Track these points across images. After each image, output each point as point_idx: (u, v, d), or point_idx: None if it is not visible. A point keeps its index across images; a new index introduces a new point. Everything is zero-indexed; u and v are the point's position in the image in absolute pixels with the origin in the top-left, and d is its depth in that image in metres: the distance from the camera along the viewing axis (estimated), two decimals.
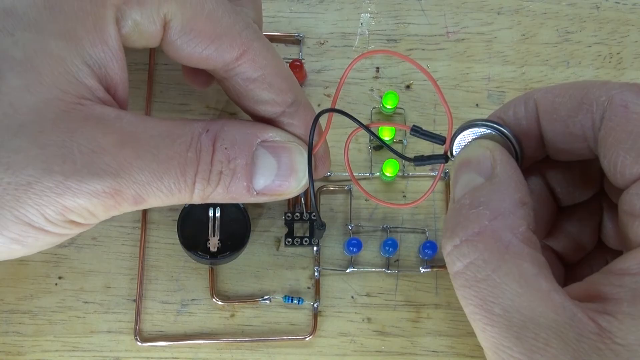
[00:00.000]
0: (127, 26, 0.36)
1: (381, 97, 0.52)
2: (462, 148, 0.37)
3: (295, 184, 0.40)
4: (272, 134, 0.39)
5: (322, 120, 0.44)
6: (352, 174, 0.42)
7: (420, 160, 0.39)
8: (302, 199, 0.50)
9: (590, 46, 0.54)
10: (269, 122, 0.41)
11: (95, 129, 0.34)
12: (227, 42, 0.38)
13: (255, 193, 0.39)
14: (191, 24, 0.37)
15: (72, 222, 0.35)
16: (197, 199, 0.38)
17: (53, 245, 0.37)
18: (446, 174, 0.51)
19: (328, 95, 0.53)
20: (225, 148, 0.37)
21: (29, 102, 0.33)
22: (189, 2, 0.37)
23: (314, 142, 0.40)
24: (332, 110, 0.39)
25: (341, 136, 0.51)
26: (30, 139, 0.33)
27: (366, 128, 0.39)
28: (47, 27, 0.34)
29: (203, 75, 0.45)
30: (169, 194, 0.36)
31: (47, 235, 0.35)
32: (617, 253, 0.38)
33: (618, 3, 0.55)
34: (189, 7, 0.37)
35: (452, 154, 0.38)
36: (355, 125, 0.39)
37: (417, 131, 0.38)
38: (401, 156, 0.40)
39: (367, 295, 0.49)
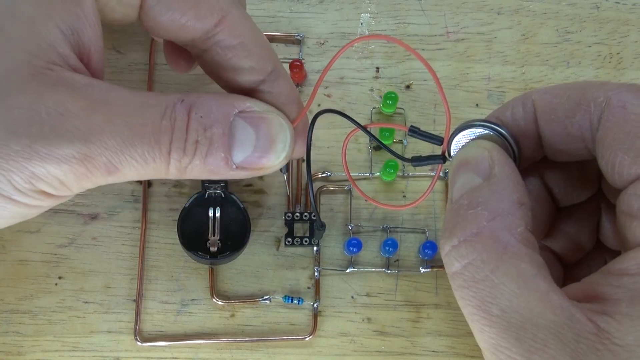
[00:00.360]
0: None
1: (381, 97, 0.52)
2: (460, 148, 0.37)
3: (274, 157, 0.38)
4: (249, 104, 0.38)
5: (304, 98, 0.44)
6: (349, 175, 0.42)
7: (418, 160, 0.39)
8: (302, 198, 0.50)
9: (590, 46, 0.54)
10: (249, 93, 0.40)
11: (65, 93, 0.33)
12: (205, 8, 0.37)
13: (234, 167, 0.37)
14: None
15: (43, 192, 0.34)
16: (174, 171, 0.36)
17: (24, 218, 0.36)
18: (446, 173, 0.51)
19: (328, 95, 0.53)
20: (201, 117, 0.36)
21: None
22: None
23: (294, 117, 0.40)
24: (330, 111, 0.39)
25: (341, 136, 0.51)
26: None
27: (363, 129, 0.39)
28: None
29: (184, 57, 0.45)
30: (144, 163, 0.35)
31: (16, 206, 0.34)
32: (616, 253, 0.38)
33: (618, 3, 0.55)
34: None
35: (449, 154, 0.38)
36: (354, 126, 0.39)
37: (414, 132, 0.38)
38: (399, 157, 0.40)
39: (367, 295, 0.49)
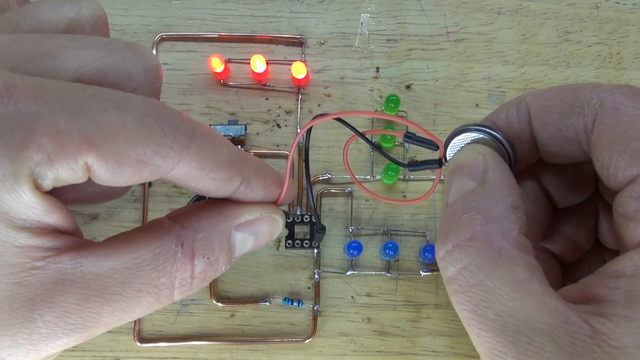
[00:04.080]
0: (46, 184, 0.32)
1: (381, 97, 0.52)
2: (455, 153, 0.37)
3: (271, 240, 0.40)
4: (245, 217, 0.38)
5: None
6: (353, 176, 0.42)
7: (414, 165, 0.39)
8: (303, 199, 0.50)
9: (590, 46, 0.54)
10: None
11: (55, 291, 0.32)
12: (160, 160, 0.34)
13: (233, 260, 0.38)
14: (116, 159, 0.33)
15: (49, 356, 0.34)
16: (179, 299, 0.37)
17: None
18: None
19: (328, 95, 0.53)
20: (208, 258, 0.36)
21: None
22: (107, 137, 0.32)
23: (280, 194, 0.39)
24: (326, 115, 0.39)
25: (341, 136, 0.51)
26: None
27: (361, 135, 0.39)
28: None
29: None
30: (144, 314, 0.35)
31: None
32: (615, 252, 0.38)
33: (618, 3, 0.55)
34: (109, 144, 0.32)
35: (446, 159, 0.38)
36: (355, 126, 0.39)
37: (410, 137, 0.38)
38: (394, 161, 0.40)
39: (367, 295, 0.49)
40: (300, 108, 0.52)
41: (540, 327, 0.30)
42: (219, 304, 0.48)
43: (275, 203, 0.39)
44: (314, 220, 0.49)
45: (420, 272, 0.49)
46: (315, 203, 0.50)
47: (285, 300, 0.48)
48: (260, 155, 0.51)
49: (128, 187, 0.41)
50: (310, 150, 0.51)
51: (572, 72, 0.53)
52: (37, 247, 0.32)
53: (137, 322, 0.48)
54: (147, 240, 0.35)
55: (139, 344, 0.48)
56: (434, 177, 0.51)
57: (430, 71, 0.53)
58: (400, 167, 0.49)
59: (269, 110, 0.52)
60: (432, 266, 0.49)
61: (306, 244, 0.49)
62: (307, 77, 0.52)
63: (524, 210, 0.33)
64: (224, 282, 0.49)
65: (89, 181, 0.37)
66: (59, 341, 0.33)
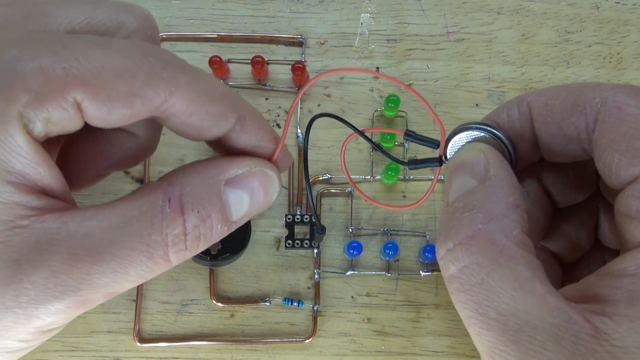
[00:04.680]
0: (37, 127, 0.31)
1: (381, 97, 0.52)
2: (456, 151, 0.37)
3: (270, 201, 0.38)
4: (234, 170, 0.36)
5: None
6: (350, 178, 0.42)
7: (414, 164, 0.39)
8: (303, 199, 0.50)
9: (590, 46, 0.54)
10: (220, 139, 0.38)
11: (41, 251, 0.31)
12: (151, 91, 0.33)
13: (233, 225, 0.36)
14: (106, 91, 0.32)
15: (47, 331, 0.34)
16: (177, 263, 0.35)
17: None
18: None
19: (328, 96, 0.53)
20: (198, 211, 0.34)
21: None
22: (93, 71, 0.32)
23: (274, 149, 0.38)
24: (326, 115, 0.39)
25: (340, 136, 0.51)
26: None
27: (360, 133, 0.39)
28: None
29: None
30: (142, 278, 0.34)
31: (23, 350, 0.34)
32: (615, 252, 0.38)
33: (618, 3, 0.55)
34: (96, 77, 0.32)
35: (446, 157, 0.38)
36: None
37: (410, 135, 0.38)
38: (394, 159, 0.40)
39: (367, 295, 0.49)
40: (300, 108, 0.52)
41: (542, 326, 0.30)
42: (219, 304, 0.48)
43: (269, 160, 0.38)
44: (313, 220, 0.48)
45: (420, 272, 0.49)
46: (315, 203, 0.50)
47: (285, 300, 0.48)
48: None
49: (151, 143, 0.40)
50: (310, 150, 0.51)
51: (572, 72, 0.53)
52: (21, 204, 0.32)
53: (137, 322, 0.48)
54: (134, 199, 0.34)
55: (139, 344, 0.47)
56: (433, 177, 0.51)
57: (430, 71, 0.53)
58: (401, 167, 0.49)
59: (269, 110, 0.52)
60: (432, 266, 0.49)
61: (306, 244, 0.49)
62: (306, 77, 0.52)
63: (525, 209, 0.33)
64: (224, 282, 0.49)
65: (107, 140, 0.38)
66: (50, 305, 0.32)
